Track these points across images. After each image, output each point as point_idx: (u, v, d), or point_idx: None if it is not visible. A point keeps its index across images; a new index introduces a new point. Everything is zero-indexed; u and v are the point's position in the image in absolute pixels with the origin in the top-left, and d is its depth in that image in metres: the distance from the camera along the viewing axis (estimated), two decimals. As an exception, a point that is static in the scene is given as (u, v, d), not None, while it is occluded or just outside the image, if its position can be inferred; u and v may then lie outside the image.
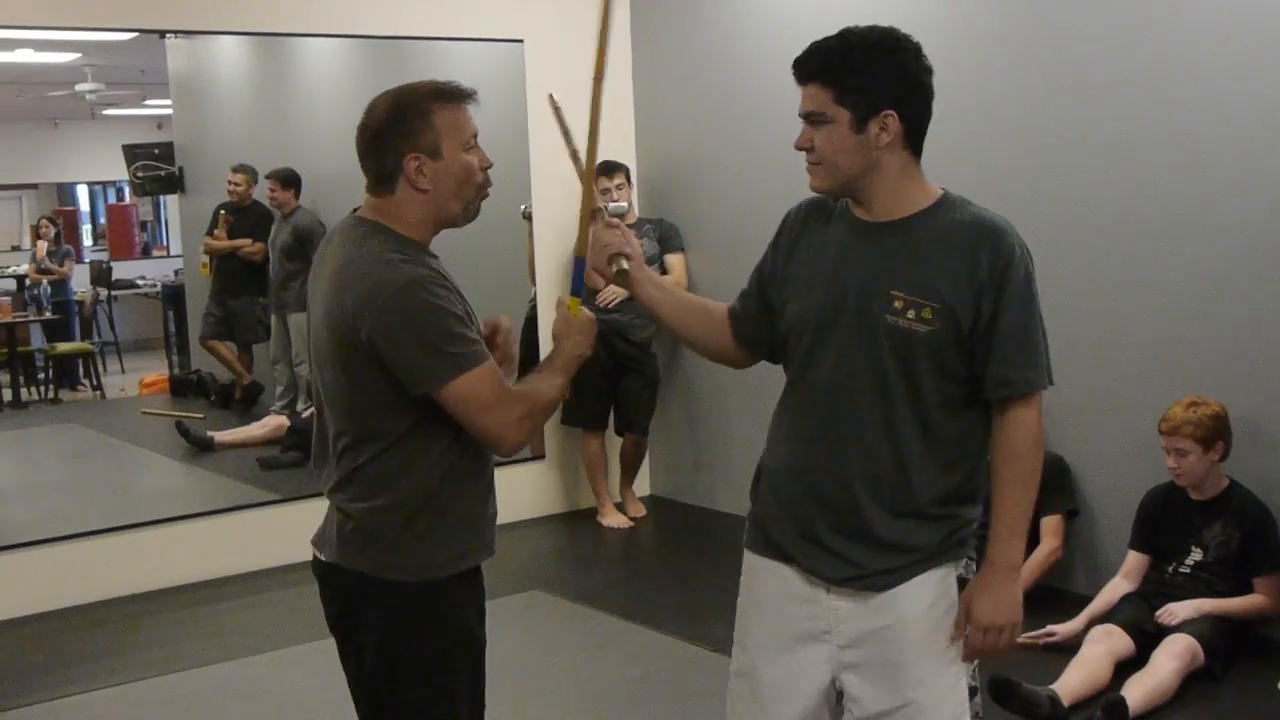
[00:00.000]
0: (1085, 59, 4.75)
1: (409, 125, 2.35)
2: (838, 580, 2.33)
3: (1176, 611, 4.13)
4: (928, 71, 2.28)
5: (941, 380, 2.26)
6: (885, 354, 2.25)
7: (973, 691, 2.40)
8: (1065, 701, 3.83)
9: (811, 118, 2.27)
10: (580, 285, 2.51)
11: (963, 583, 2.36)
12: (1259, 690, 4.05)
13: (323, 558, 2.47)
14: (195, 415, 7.22)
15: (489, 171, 2.44)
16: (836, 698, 2.38)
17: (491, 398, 2.31)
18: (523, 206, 6.38)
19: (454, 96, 2.39)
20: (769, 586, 2.43)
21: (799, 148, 2.31)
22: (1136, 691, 3.81)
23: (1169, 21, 4.49)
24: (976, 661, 2.40)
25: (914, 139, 2.28)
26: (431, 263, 2.39)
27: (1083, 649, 4.08)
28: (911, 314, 2.23)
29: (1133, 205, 4.65)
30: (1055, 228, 4.78)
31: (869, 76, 2.22)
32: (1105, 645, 4.06)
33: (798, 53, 2.30)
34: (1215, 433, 4.21)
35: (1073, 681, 3.91)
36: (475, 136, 2.40)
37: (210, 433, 6.88)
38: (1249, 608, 4.17)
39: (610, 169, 6.27)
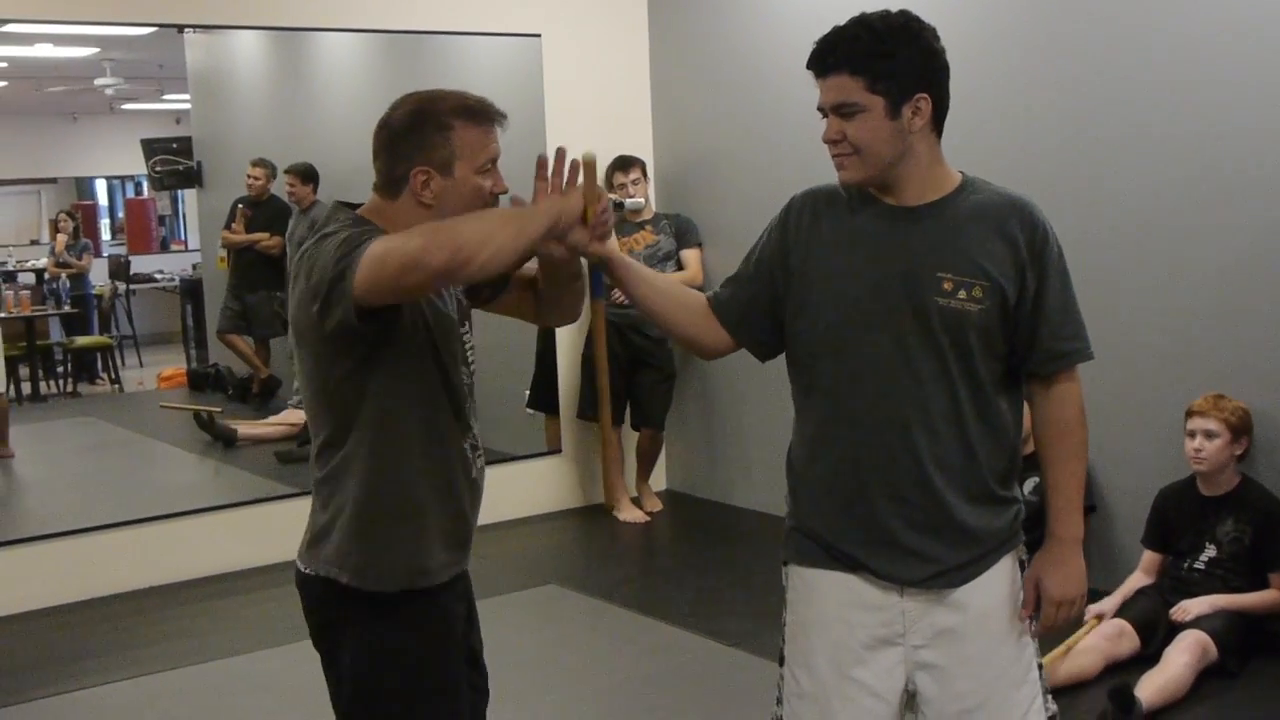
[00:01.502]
0: (1104, 55, 4.73)
1: (426, 136, 2.27)
2: (917, 581, 2.28)
3: (1190, 608, 4.12)
4: (944, 53, 2.28)
5: (990, 359, 2.26)
6: (940, 337, 2.23)
7: (1039, 668, 2.40)
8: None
9: (842, 109, 2.22)
10: (600, 289, 2.47)
11: (1022, 567, 2.37)
12: (1274, 687, 4.04)
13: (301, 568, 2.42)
14: (214, 409, 7.24)
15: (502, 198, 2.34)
16: (908, 700, 2.34)
17: (381, 247, 2.11)
18: (539, 201, 6.37)
19: (479, 116, 2.31)
20: (833, 598, 2.33)
21: (830, 140, 2.25)
22: (1150, 688, 3.81)
23: (1188, 16, 4.47)
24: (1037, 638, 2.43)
25: (939, 121, 2.28)
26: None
27: (1086, 639, 4.11)
28: (962, 294, 2.21)
29: (1150, 203, 4.63)
30: (1072, 225, 4.74)
31: (900, 61, 2.19)
32: (1106, 645, 4.09)
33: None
34: (1243, 426, 4.25)
35: (1058, 671, 3.97)
36: (494, 161, 2.31)
37: (237, 425, 6.89)
38: (1264, 603, 4.16)
39: (626, 164, 6.27)
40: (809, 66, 2.26)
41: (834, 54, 2.21)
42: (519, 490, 6.41)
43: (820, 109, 2.27)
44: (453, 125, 2.28)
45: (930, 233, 2.25)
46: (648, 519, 6.32)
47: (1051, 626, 2.35)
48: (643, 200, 6.25)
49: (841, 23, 2.25)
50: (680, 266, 6.31)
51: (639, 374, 6.30)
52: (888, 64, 2.18)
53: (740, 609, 4.85)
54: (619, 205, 6.16)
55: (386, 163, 2.32)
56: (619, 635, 4.82)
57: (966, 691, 2.29)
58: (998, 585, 2.31)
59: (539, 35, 6.30)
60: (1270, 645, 4.21)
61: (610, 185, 6.31)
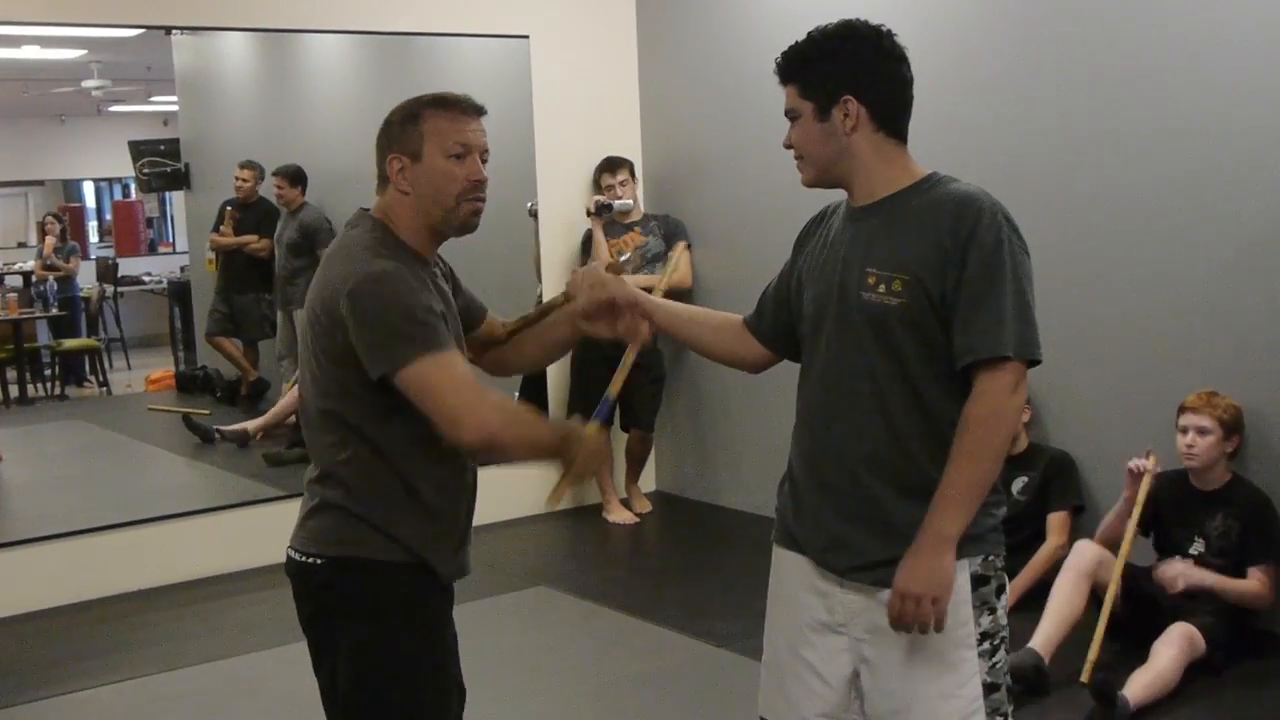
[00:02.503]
0: (1096, 52, 4.74)
1: (400, 127, 2.41)
2: (845, 570, 2.34)
3: (1170, 574, 4.14)
4: (890, 55, 2.33)
5: (926, 353, 2.26)
6: (865, 332, 2.29)
7: (992, 688, 2.35)
8: (1047, 654, 4.01)
9: (789, 115, 2.38)
10: (606, 414, 2.59)
11: (979, 580, 2.31)
12: (1261, 687, 4.05)
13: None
14: (201, 411, 7.24)
15: (486, 186, 2.42)
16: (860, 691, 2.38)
17: (450, 382, 2.25)
18: (528, 204, 6.38)
19: (449, 105, 2.43)
20: (790, 578, 2.46)
21: (785, 145, 2.42)
22: (1138, 684, 3.82)
23: (1182, 13, 4.49)
24: (1003, 655, 2.36)
25: (885, 121, 2.32)
26: (410, 263, 2.37)
27: (1056, 592, 4.17)
28: (882, 289, 2.26)
29: (1140, 200, 4.64)
30: (1062, 223, 4.77)
31: (825, 66, 2.31)
32: (1080, 591, 4.16)
33: None
34: (1235, 423, 4.27)
35: (1050, 630, 4.04)
36: (468, 148, 2.39)
37: (243, 425, 6.88)
38: (1242, 590, 4.16)
39: (614, 165, 6.27)
40: None
41: (780, 65, 2.39)
42: (508, 492, 6.39)
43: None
44: (423, 114, 2.41)
45: (868, 230, 2.33)
46: (637, 520, 6.32)
47: (897, 619, 2.23)
48: (631, 201, 6.26)
49: (863, 22, 2.36)
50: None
51: (628, 376, 6.28)
52: (815, 70, 2.33)
53: (729, 610, 4.86)
54: (607, 207, 6.17)
55: (377, 159, 2.46)
56: (608, 636, 4.82)
57: (894, 691, 2.32)
58: None
59: (527, 37, 6.30)
60: (1257, 645, 4.23)
61: (598, 186, 6.32)
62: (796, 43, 2.37)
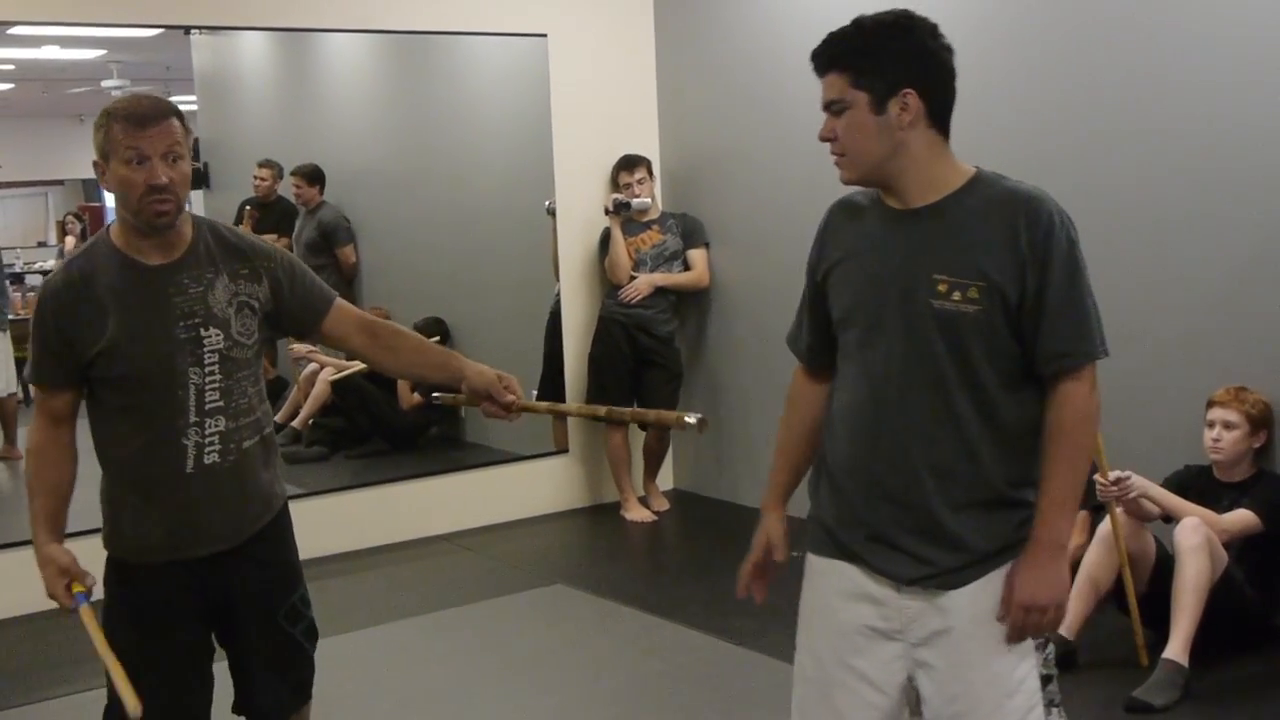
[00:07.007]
0: (1113, 48, 4.72)
1: (95, 133, 2.57)
2: (910, 579, 2.29)
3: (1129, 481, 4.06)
4: (946, 49, 2.26)
5: (998, 360, 2.22)
6: (936, 340, 2.22)
7: (1046, 680, 2.37)
8: (1071, 633, 4.08)
9: (832, 106, 2.26)
10: (84, 600, 2.76)
11: None
12: (1268, 685, 4.04)
13: None
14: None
15: (172, 188, 2.54)
16: (916, 697, 2.34)
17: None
18: (546, 202, 6.38)
19: (127, 115, 2.53)
20: (834, 587, 2.38)
21: (823, 138, 2.29)
22: (1178, 639, 3.88)
23: (1204, 11, 4.46)
24: (1050, 649, 2.38)
25: (938, 118, 2.25)
26: (110, 267, 2.60)
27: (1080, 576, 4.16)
28: (957, 295, 2.19)
29: (1160, 196, 4.62)
30: (1082, 219, 4.72)
31: (884, 56, 2.21)
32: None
33: None
34: (1263, 419, 4.25)
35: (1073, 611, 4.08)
36: (143, 155, 2.51)
37: (275, 420, 6.90)
38: (1207, 514, 4.10)
39: (632, 163, 6.27)
40: (811, 67, 2.30)
41: (825, 53, 2.27)
42: (526, 490, 6.41)
43: (822, 107, 2.31)
44: (108, 125, 2.55)
45: (929, 233, 2.24)
46: (655, 518, 6.32)
47: (1022, 632, 2.26)
48: (649, 200, 6.25)
49: (845, 21, 2.27)
50: (687, 266, 6.31)
51: (646, 374, 6.30)
52: (871, 59, 2.21)
53: (748, 608, 4.78)
54: (625, 205, 6.17)
55: None
56: (626, 634, 4.82)
57: (958, 694, 2.29)
58: (996, 591, 2.28)
59: (545, 35, 6.29)
60: (1270, 642, 4.23)
61: (616, 185, 6.32)
62: (843, 29, 2.25)
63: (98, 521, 2.82)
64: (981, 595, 2.27)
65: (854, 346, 2.33)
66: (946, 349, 2.22)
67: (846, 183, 2.31)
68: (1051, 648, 2.39)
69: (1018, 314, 2.21)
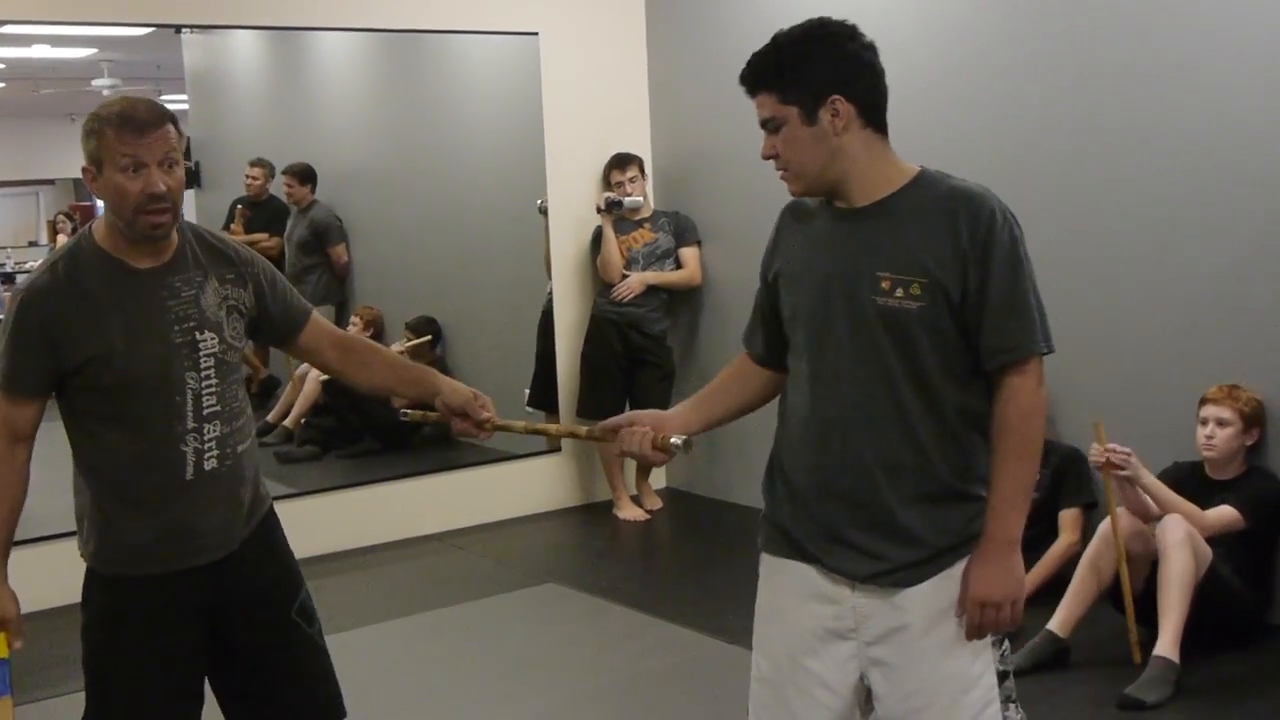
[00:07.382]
0: (1105, 47, 4.73)
1: (85, 139, 2.49)
2: (864, 577, 2.30)
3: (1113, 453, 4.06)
4: (867, 48, 2.29)
5: (944, 355, 2.25)
6: (881, 337, 2.24)
7: (1003, 676, 2.38)
8: (1065, 632, 4.12)
9: (767, 125, 2.30)
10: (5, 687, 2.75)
11: None
12: (1263, 681, 4.05)
13: None
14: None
15: (169, 196, 2.48)
16: (866, 696, 2.36)
17: None
18: (538, 201, 6.38)
19: (122, 122, 2.45)
20: (790, 588, 2.40)
21: (765, 157, 2.34)
22: (1168, 635, 3.89)
23: (1197, 7, 4.47)
24: (1006, 646, 2.39)
25: (872, 118, 2.28)
26: (69, 269, 2.54)
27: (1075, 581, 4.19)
28: (900, 292, 2.22)
29: (1153, 195, 4.63)
30: (1076, 218, 4.76)
31: (805, 69, 2.25)
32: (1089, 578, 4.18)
33: None
34: (1256, 417, 4.27)
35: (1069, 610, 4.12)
36: (140, 163, 2.44)
37: (267, 419, 6.89)
38: (1184, 504, 4.11)
39: (624, 161, 6.27)
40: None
41: (750, 76, 2.33)
42: (518, 489, 6.41)
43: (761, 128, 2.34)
44: (100, 130, 2.47)
45: (872, 232, 2.27)
46: (648, 517, 6.32)
47: (979, 628, 2.27)
48: (641, 198, 6.26)
49: (832, 19, 2.30)
50: (679, 265, 6.31)
51: (639, 372, 6.30)
52: (793, 74, 2.25)
53: (740, 606, 4.81)
54: (617, 203, 6.17)
55: None
56: (619, 633, 4.82)
57: (914, 691, 2.30)
58: (951, 588, 2.29)
59: (536, 34, 6.29)
60: (1261, 637, 4.25)
61: (608, 183, 6.32)
62: (763, 49, 2.30)
63: (65, 527, 2.82)
64: (937, 592, 2.29)
65: (803, 345, 2.36)
66: (892, 345, 2.24)
67: (796, 195, 2.36)
68: (1007, 644, 2.40)
69: (961, 310, 2.23)
